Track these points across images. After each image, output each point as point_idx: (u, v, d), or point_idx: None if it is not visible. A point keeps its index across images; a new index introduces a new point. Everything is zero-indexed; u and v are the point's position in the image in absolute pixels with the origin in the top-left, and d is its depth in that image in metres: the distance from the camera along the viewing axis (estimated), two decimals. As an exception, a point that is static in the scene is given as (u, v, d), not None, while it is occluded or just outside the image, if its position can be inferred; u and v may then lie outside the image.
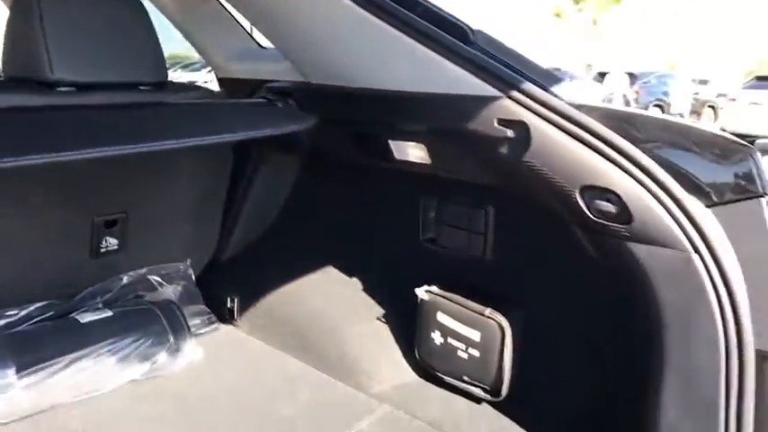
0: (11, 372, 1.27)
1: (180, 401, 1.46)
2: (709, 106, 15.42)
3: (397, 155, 1.43)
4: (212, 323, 1.81)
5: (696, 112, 15.25)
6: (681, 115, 13.50)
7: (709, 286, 0.99)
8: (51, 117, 1.18)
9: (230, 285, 1.86)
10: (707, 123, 14.71)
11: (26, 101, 1.26)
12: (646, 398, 1.10)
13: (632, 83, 13.52)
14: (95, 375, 1.40)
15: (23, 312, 1.45)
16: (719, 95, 15.55)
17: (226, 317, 1.83)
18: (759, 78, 12.55)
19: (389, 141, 1.41)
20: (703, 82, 18.53)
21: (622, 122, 1.11)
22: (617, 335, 1.20)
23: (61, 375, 1.34)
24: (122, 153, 1.15)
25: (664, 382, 1.06)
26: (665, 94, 14.49)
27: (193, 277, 1.83)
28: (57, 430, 1.30)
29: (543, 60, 1.20)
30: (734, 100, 12.36)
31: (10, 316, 1.43)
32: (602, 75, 13.47)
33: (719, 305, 0.99)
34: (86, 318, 1.46)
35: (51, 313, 1.49)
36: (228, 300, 1.83)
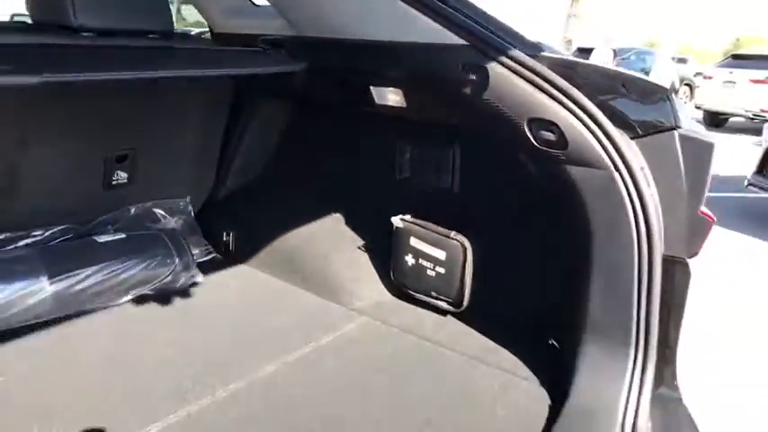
0: (44, 278, 1.48)
1: (184, 314, 1.67)
2: (686, 84, 15.74)
3: (377, 99, 1.63)
4: (210, 253, 2.02)
5: (674, 90, 15.57)
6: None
7: (627, 200, 1.22)
8: (77, 51, 1.37)
9: (226, 221, 2.06)
10: (682, 102, 15.05)
11: (53, 42, 1.43)
12: (578, 299, 1.34)
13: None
14: (112, 287, 1.61)
15: (48, 233, 1.65)
16: (697, 74, 15.83)
17: (222, 249, 2.04)
18: (735, 57, 12.80)
19: (371, 87, 1.62)
20: (682, 60, 18.79)
21: (567, 68, 1.32)
22: (558, 249, 1.44)
23: (84, 284, 1.54)
24: (135, 77, 1.34)
25: (591, 283, 1.30)
26: (644, 70, 14.76)
27: (192, 213, 2.03)
28: (82, 331, 1.50)
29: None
30: (710, 78, 12.59)
31: (36, 236, 1.63)
32: (581, 50, 13.68)
33: (635, 215, 1.22)
34: (103, 238, 1.67)
35: (71, 236, 1.69)
36: (224, 234, 2.04)
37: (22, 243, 1.59)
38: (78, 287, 1.54)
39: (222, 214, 2.08)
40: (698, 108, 12.71)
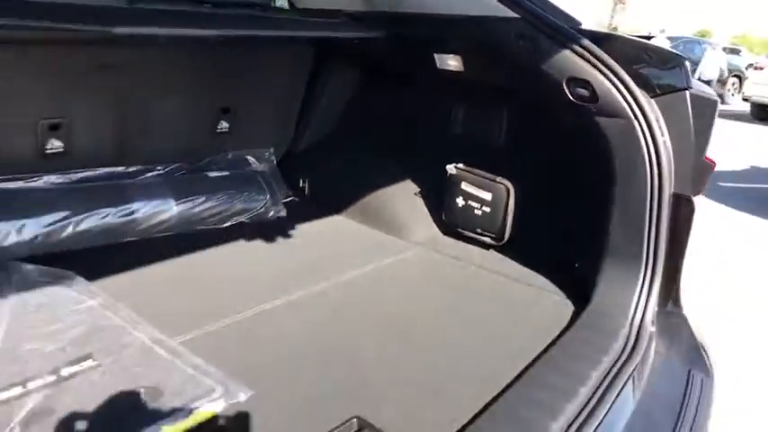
0: (172, 201, 1.87)
1: (275, 237, 2.03)
2: (735, 75, 15.43)
3: (439, 64, 1.96)
4: (289, 197, 2.38)
5: (721, 81, 15.29)
6: (709, 82, 13.53)
7: (643, 145, 1.52)
8: (208, 16, 1.74)
9: (302, 170, 2.43)
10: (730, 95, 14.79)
11: (188, 9, 1.80)
12: (600, 228, 1.64)
13: (659, 47, 13.58)
14: (219, 213, 2.00)
15: (167, 169, 2.04)
16: (750, 66, 15.44)
17: (299, 193, 2.41)
18: (789, 47, 12.46)
19: (434, 54, 1.94)
20: (735, 51, 18.30)
21: (601, 39, 1.62)
22: (584, 188, 1.74)
23: (200, 208, 1.94)
24: (239, 34, 1.74)
25: (611, 215, 1.61)
26: (690, 60, 14.52)
27: (275, 161, 2.40)
28: (199, 243, 1.88)
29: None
30: (761, 69, 12.31)
31: (159, 170, 2.02)
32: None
33: (649, 158, 1.52)
34: (212, 174, 2.05)
35: (184, 172, 2.08)
36: (301, 180, 2.41)
37: (149, 174, 1.99)
38: (196, 210, 1.93)
39: (300, 164, 2.45)
40: (745, 100, 12.48)
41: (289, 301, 1.60)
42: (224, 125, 2.17)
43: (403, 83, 2.24)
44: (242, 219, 2.07)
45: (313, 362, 1.33)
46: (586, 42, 1.56)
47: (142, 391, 1.11)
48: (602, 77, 1.54)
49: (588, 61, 1.55)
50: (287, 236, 2.05)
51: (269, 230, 2.05)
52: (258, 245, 1.95)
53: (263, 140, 2.37)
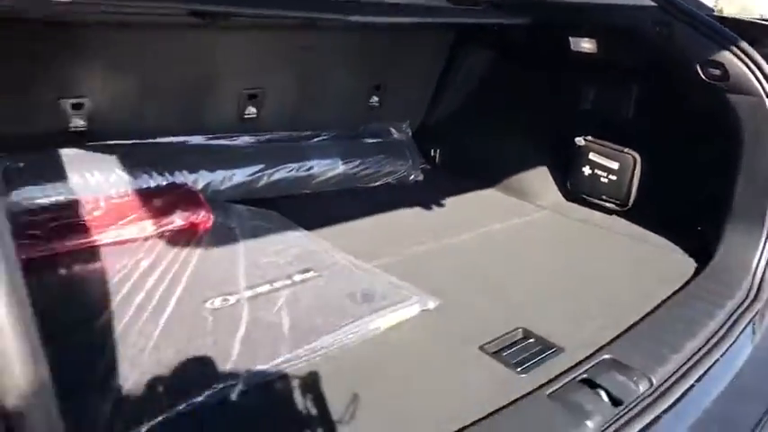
0: (339, 161, 2.24)
1: (413, 198, 2.33)
2: None
3: (573, 47, 2.19)
4: (422, 164, 2.69)
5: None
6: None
7: None
8: (372, 3, 2.05)
9: (434, 141, 2.73)
10: None
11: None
12: (725, 194, 1.82)
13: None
14: (372, 173, 2.35)
15: (331, 135, 2.40)
16: None
17: (431, 162, 2.71)
18: None
19: (570, 37, 2.17)
20: None
21: (732, 22, 1.80)
22: (708, 159, 1.91)
23: (358, 168, 2.29)
24: (423, 21, 2.05)
25: (737, 182, 1.79)
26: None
27: (410, 133, 2.72)
28: (360, 197, 2.23)
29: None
30: None
31: (324, 135, 2.39)
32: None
33: None
34: (367, 141, 2.40)
35: (344, 138, 2.43)
36: (432, 151, 2.72)
37: (317, 139, 2.36)
38: (355, 170, 2.29)
39: (431, 136, 2.75)
40: None
41: (439, 245, 1.91)
42: (374, 99, 2.51)
43: (534, 63, 2.47)
44: (389, 180, 2.41)
45: (476, 288, 1.63)
46: (719, 27, 1.75)
47: (359, 293, 1.46)
48: (735, 59, 1.72)
49: (721, 44, 1.74)
50: (427, 196, 2.36)
51: (412, 191, 2.37)
52: (405, 202, 2.27)
53: (403, 113, 2.69)
